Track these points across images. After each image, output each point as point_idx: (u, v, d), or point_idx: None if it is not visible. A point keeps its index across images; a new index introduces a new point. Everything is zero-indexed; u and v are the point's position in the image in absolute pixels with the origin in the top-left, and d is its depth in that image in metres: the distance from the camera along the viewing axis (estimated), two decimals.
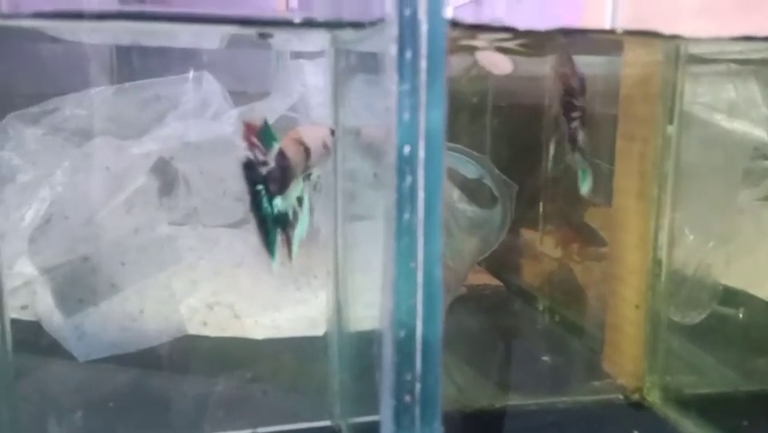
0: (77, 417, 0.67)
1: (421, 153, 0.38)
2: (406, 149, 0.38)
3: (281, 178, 0.53)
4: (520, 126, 1.11)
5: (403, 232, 0.39)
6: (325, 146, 0.56)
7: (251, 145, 0.52)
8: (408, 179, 0.39)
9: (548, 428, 0.66)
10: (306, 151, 0.55)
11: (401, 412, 0.41)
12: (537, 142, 1.07)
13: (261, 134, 0.52)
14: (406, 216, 0.39)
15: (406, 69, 0.37)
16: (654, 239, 0.73)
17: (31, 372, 0.74)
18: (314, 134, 0.56)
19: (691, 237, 0.81)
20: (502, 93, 1.14)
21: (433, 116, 0.38)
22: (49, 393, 0.73)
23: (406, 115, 0.37)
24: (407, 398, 0.41)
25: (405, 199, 0.39)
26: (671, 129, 0.70)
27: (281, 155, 0.53)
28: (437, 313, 0.41)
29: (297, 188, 0.55)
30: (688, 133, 0.72)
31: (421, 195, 0.39)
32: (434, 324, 0.41)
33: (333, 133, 0.59)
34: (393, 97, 0.37)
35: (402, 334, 0.40)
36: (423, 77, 0.37)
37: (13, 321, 0.83)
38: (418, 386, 0.41)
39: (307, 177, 0.56)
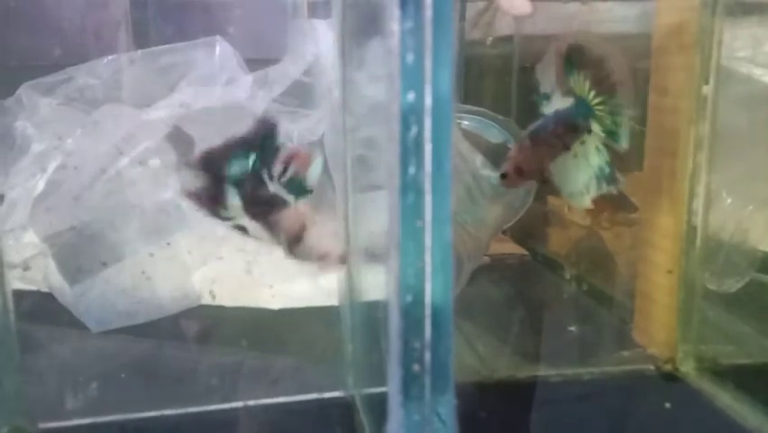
0: (88, 387, 0.66)
1: (428, 100, 0.35)
2: (411, 95, 0.34)
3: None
4: None
5: (408, 188, 0.36)
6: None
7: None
8: (414, 129, 0.35)
9: (573, 400, 0.63)
10: (298, 231, 0.52)
11: (409, 382, 0.38)
12: None
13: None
14: (412, 170, 0.35)
15: (410, 4, 0.33)
16: (689, 202, 0.68)
17: (42, 343, 0.74)
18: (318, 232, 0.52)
19: (729, 200, 0.76)
20: (527, 53, 1.09)
21: (440, 59, 0.34)
22: (59, 364, 0.72)
23: (410, 57, 0.34)
24: (416, 367, 0.38)
25: (410, 152, 0.35)
26: (706, 89, 0.66)
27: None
28: (448, 276, 0.38)
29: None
30: (726, 90, 0.67)
31: (428, 147, 0.35)
32: (444, 288, 0.38)
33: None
34: (395, 37, 0.34)
35: (409, 298, 0.37)
36: (428, 12, 0.33)
37: (28, 293, 0.83)
38: (428, 355, 0.38)
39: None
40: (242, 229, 0.54)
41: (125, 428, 0.59)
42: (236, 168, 0.52)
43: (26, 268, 0.85)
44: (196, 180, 0.52)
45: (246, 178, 0.52)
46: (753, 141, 0.74)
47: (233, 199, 0.53)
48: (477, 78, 1.17)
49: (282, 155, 0.53)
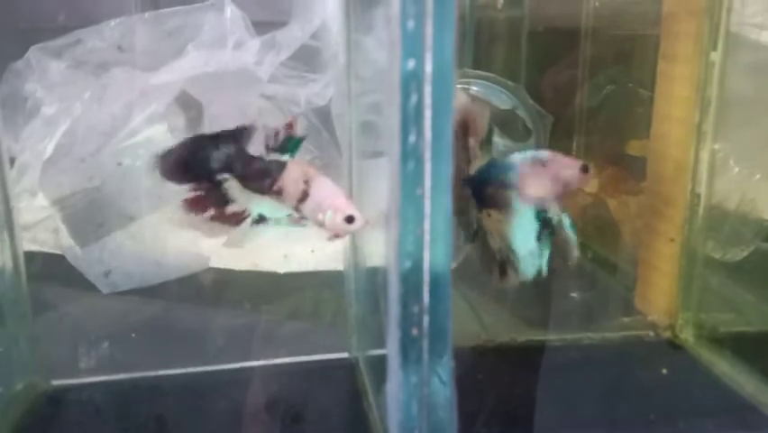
0: (100, 347, 0.68)
1: (428, 68, 0.35)
2: (411, 63, 0.35)
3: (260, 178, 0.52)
4: (557, 53, 1.05)
5: (408, 156, 0.36)
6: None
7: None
8: (414, 98, 0.35)
9: (571, 364, 0.64)
10: (304, 193, 0.51)
11: (408, 345, 0.39)
12: (574, 69, 1.02)
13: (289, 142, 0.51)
14: (412, 138, 0.36)
15: None
16: (694, 170, 0.68)
17: (54, 304, 0.75)
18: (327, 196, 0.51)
19: (735, 169, 0.76)
20: (538, 17, 1.08)
21: (442, 26, 0.34)
22: (71, 325, 0.74)
23: (411, 24, 0.34)
24: (414, 331, 0.39)
25: (410, 120, 0.36)
26: (714, 55, 0.65)
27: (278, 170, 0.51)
28: (447, 243, 0.38)
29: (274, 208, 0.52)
30: (734, 57, 0.66)
31: (428, 115, 0.36)
32: (443, 255, 0.38)
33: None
34: (395, 4, 0.34)
35: (408, 264, 0.38)
36: None
37: (39, 254, 0.85)
38: (426, 319, 0.39)
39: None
40: (262, 219, 0.54)
41: (136, 385, 0.61)
42: (218, 155, 0.53)
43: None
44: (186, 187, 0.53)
45: (234, 160, 0.53)
46: (761, 109, 0.73)
47: (233, 188, 0.53)
48: (486, 42, 1.15)
49: (270, 128, 0.53)
